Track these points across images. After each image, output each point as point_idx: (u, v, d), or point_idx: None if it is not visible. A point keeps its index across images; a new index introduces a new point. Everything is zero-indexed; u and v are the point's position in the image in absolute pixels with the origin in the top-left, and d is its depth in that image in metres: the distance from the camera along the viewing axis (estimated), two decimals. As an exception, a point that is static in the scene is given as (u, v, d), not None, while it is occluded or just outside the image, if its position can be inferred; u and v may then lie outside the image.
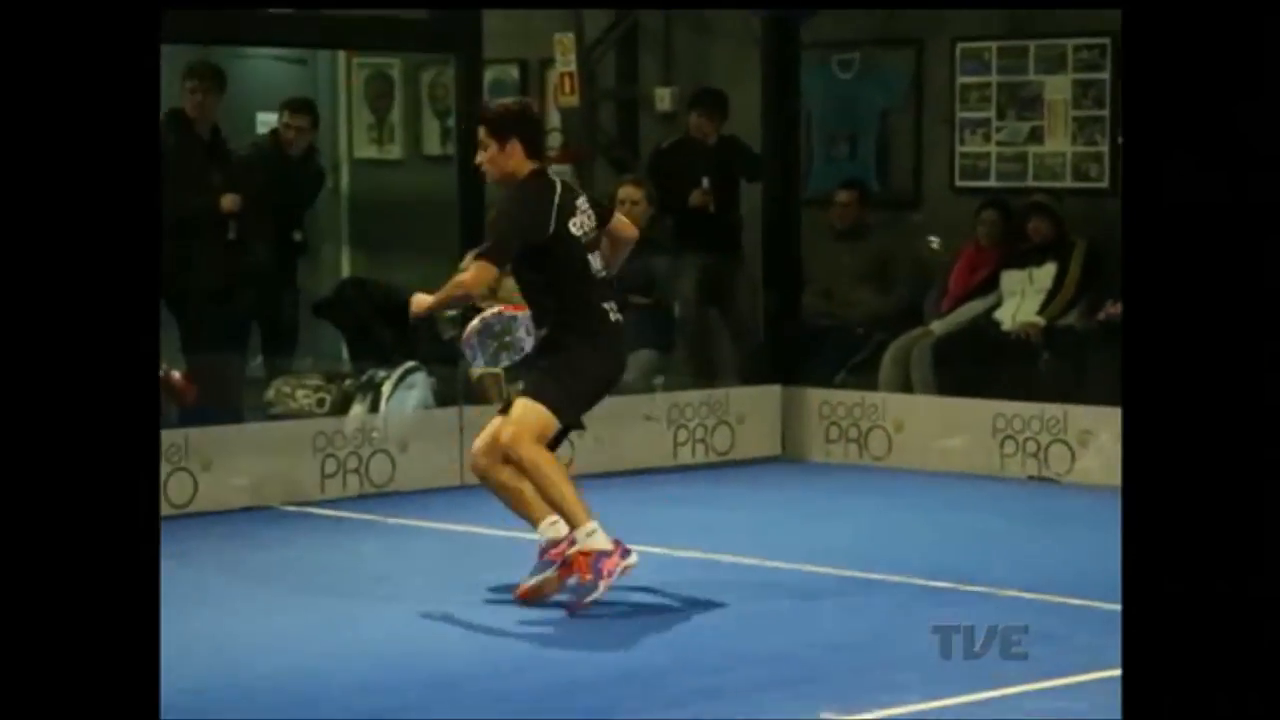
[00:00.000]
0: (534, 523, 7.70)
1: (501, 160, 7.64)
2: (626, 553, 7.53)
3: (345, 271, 13.77)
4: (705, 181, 11.93)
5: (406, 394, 10.29)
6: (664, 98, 13.33)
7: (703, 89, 12.44)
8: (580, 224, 7.69)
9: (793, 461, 11.22)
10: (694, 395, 11.15)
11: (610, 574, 7.47)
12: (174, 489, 9.40)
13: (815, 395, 11.28)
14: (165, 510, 9.32)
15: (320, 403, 10.34)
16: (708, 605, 7.62)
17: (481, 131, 7.66)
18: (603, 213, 7.93)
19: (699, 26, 13.41)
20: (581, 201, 7.78)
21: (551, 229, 7.60)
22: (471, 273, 7.64)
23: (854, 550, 8.61)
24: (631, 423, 10.81)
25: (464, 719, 6.11)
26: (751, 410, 11.24)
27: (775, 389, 11.38)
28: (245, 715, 6.18)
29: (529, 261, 7.66)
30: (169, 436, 9.47)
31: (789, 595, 7.83)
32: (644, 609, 7.59)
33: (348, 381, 10.49)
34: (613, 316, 7.74)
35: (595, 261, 7.73)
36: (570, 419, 7.87)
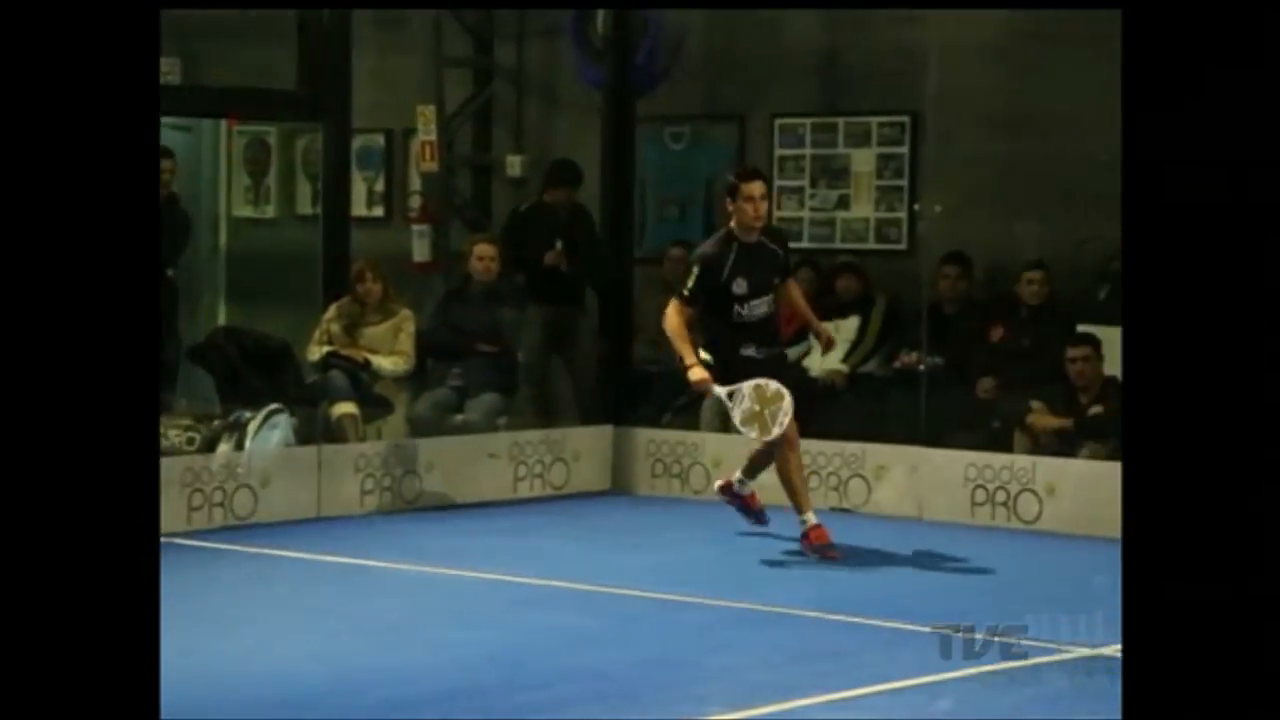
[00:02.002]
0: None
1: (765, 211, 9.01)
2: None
3: (222, 320, 13.63)
4: (559, 243, 11.96)
5: (270, 433, 10.18)
6: (514, 164, 13.35)
7: (559, 161, 12.44)
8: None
9: (621, 495, 11.22)
10: (534, 434, 11.13)
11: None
12: (54, 520, 9.23)
13: (643, 435, 11.31)
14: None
15: (190, 441, 10.21)
16: (537, 628, 7.61)
17: (764, 188, 9.00)
18: None
19: (547, 100, 13.44)
20: None
21: None
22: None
23: (673, 575, 8.62)
24: (476, 459, 10.77)
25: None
26: (586, 448, 11.24)
27: (608, 429, 11.39)
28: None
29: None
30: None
31: (612, 616, 7.84)
32: (478, 631, 7.55)
33: (216, 421, 10.36)
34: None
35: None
36: None
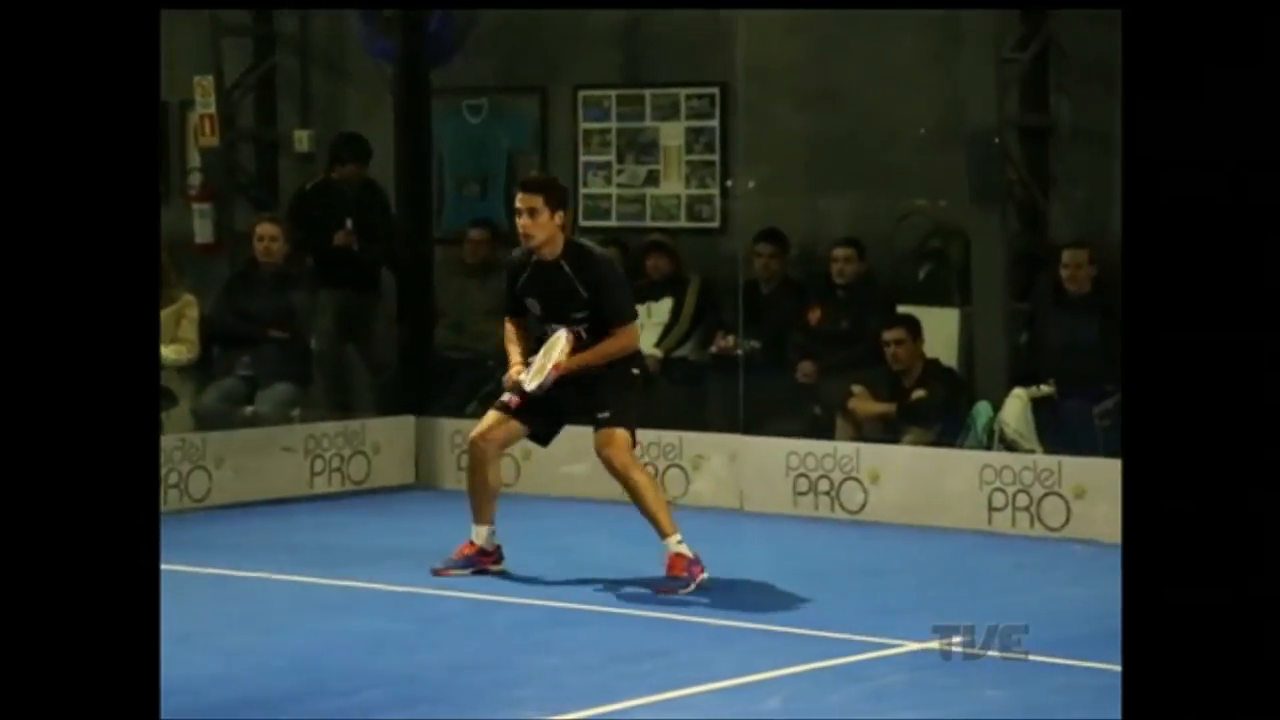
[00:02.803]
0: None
1: (550, 227, 8.22)
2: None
3: None
4: (349, 222, 11.85)
5: (44, 429, 9.97)
6: (302, 139, 13.23)
7: (346, 135, 12.34)
8: None
9: (426, 489, 11.16)
10: (330, 426, 11.04)
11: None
12: None
13: (448, 425, 11.25)
14: None
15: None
16: (340, 631, 7.55)
17: (539, 200, 8.21)
18: None
19: (334, 72, 13.32)
20: None
21: None
22: (630, 336, 8.40)
23: (482, 574, 8.58)
24: (269, 453, 10.66)
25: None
26: (386, 440, 11.17)
27: (409, 419, 11.33)
28: None
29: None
30: None
31: (419, 618, 7.81)
32: (276, 636, 7.49)
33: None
34: None
35: None
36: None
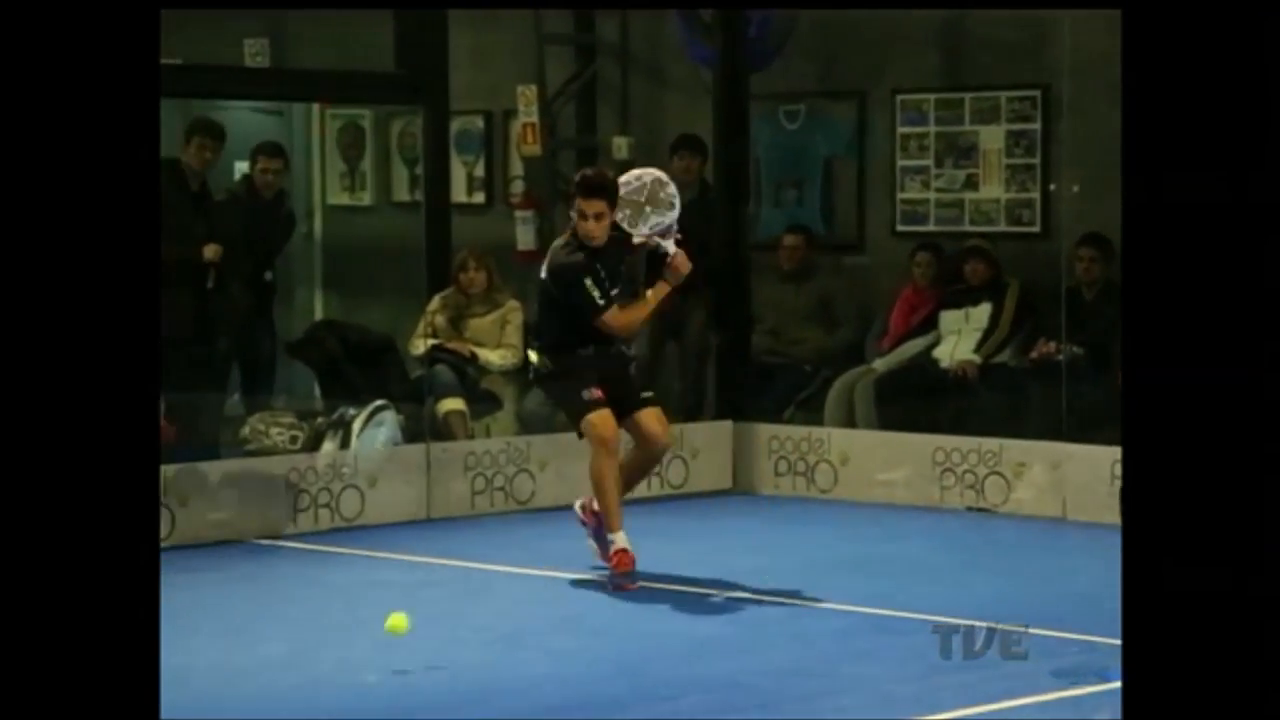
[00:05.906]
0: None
1: (608, 226, 8.50)
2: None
3: (318, 314, 13.73)
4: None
5: (375, 431, 10.26)
6: (621, 146, 13.35)
7: (682, 135, 12.41)
8: None
9: (743, 494, 11.20)
10: (650, 431, 11.10)
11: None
12: (153, 524, 9.34)
13: (764, 430, 11.28)
14: (145, 544, 9.27)
15: (293, 440, 10.30)
16: (663, 634, 7.61)
17: (604, 204, 8.46)
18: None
19: (654, 78, 13.44)
20: None
21: None
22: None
23: (802, 580, 8.57)
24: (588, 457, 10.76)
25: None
26: (704, 445, 11.22)
27: (727, 424, 11.37)
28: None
29: None
30: (148, 473, 9.41)
31: (740, 623, 7.82)
32: (602, 638, 7.58)
33: (319, 419, 10.44)
34: None
35: None
36: None
